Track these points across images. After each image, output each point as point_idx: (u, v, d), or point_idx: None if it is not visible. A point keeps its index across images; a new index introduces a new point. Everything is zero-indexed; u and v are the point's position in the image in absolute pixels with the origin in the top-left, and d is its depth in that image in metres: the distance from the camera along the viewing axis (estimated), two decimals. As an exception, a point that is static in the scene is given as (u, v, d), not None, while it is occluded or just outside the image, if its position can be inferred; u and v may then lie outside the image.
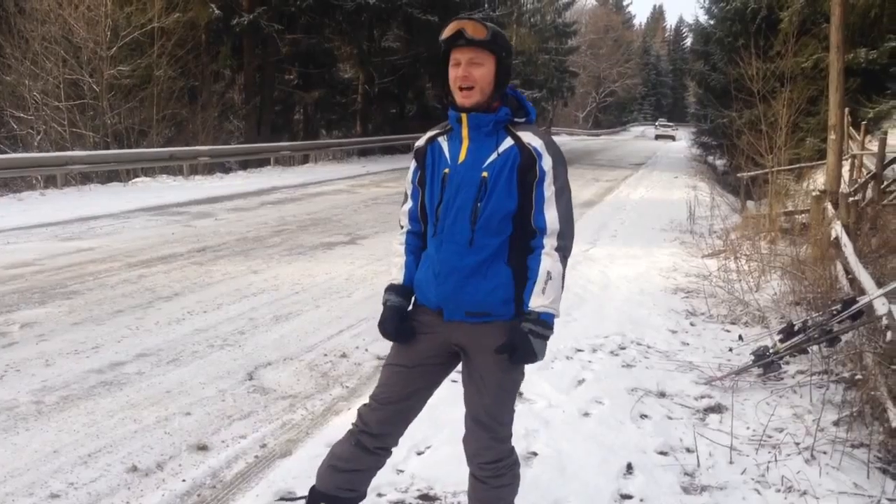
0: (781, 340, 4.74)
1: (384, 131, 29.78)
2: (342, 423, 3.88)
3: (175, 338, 5.34)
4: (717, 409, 4.29)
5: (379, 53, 28.67)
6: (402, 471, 3.32)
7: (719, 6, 25.38)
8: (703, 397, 4.46)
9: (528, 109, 2.40)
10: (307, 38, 24.56)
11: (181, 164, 17.37)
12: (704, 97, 29.23)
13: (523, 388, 3.43)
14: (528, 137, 2.31)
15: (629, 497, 3.22)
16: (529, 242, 2.34)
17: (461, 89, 2.27)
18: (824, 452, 3.61)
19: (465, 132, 2.34)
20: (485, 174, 2.29)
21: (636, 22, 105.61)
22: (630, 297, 7.05)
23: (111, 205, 12.12)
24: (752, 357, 4.76)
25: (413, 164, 2.51)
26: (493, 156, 2.30)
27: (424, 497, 3.16)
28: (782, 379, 4.70)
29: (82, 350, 4.99)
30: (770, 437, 3.83)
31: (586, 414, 4.12)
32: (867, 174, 10.53)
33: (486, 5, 31.84)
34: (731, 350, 5.40)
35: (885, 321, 4.06)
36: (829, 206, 8.03)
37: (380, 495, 3.11)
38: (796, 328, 4.75)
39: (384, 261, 8.30)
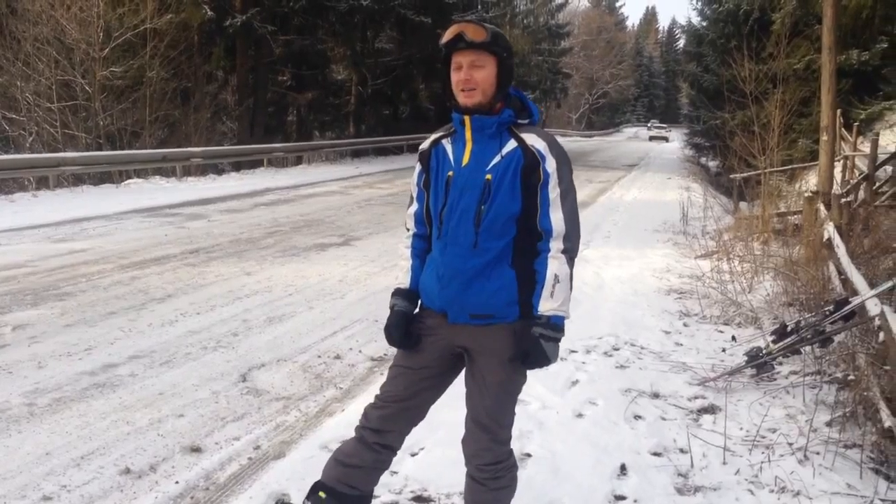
0: (774, 341, 4.76)
1: (377, 132, 29.75)
2: (336, 424, 3.90)
3: (168, 339, 5.33)
4: (710, 409, 4.30)
5: (372, 55, 28.67)
6: (395, 472, 3.31)
7: (712, 8, 25.44)
8: (696, 398, 4.47)
9: (531, 111, 2.40)
10: (300, 40, 24.52)
11: (174, 166, 17.33)
12: (697, 98, 29.24)
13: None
14: (532, 139, 2.31)
15: (623, 498, 3.23)
16: (534, 245, 2.34)
17: (463, 90, 2.27)
18: (817, 453, 3.62)
19: (468, 134, 2.34)
20: (488, 177, 2.29)
21: (629, 23, 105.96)
22: (624, 298, 7.07)
23: (104, 206, 12.08)
24: (746, 358, 4.77)
25: (418, 167, 2.51)
26: (497, 158, 2.30)
27: (418, 499, 3.16)
28: (775, 380, 4.72)
29: (75, 352, 4.97)
30: (763, 437, 3.84)
31: (580, 415, 4.13)
32: (859, 175, 10.57)
33: (479, 7, 31.87)
34: (724, 351, 5.42)
35: (877, 322, 4.08)
36: (822, 207, 8.05)
37: (374, 497, 3.10)
38: (789, 329, 4.76)
39: (377, 262, 8.30)
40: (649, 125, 72.27)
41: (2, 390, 4.26)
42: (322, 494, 2.47)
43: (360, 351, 5.26)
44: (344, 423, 3.81)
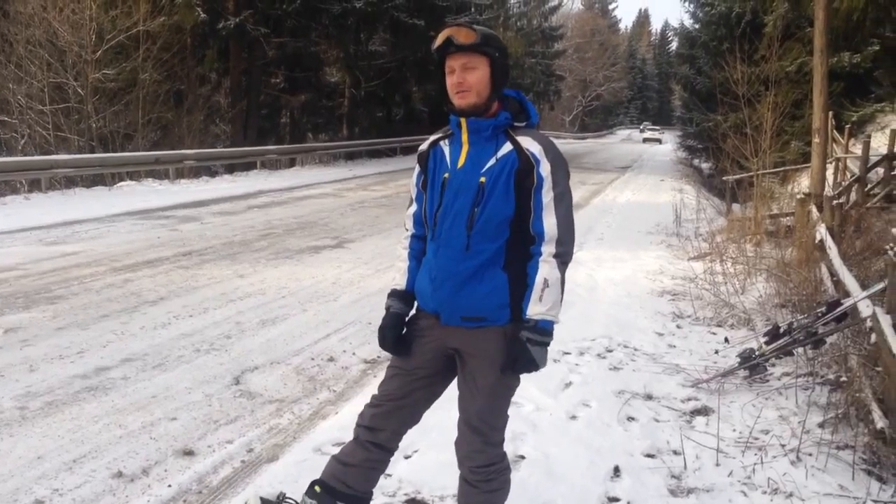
0: (767, 343, 4.77)
1: (371, 135, 29.72)
2: (329, 427, 3.89)
3: (161, 342, 5.31)
4: (703, 411, 4.31)
5: (365, 57, 28.62)
6: (389, 475, 3.30)
7: (704, 10, 25.54)
8: (689, 400, 4.48)
9: (530, 113, 2.40)
10: (293, 42, 24.49)
11: (167, 168, 17.27)
12: (690, 101, 29.35)
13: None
14: (528, 143, 2.31)
15: (617, 500, 3.23)
16: (528, 248, 2.33)
17: (457, 93, 2.28)
18: (810, 454, 3.63)
19: (465, 137, 2.35)
20: (482, 179, 2.29)
21: (622, 26, 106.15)
22: (617, 299, 7.08)
23: (96, 209, 12.04)
24: (738, 359, 4.79)
25: (417, 168, 2.52)
26: (492, 161, 2.30)
27: (412, 501, 3.16)
28: (768, 381, 4.73)
29: (67, 355, 4.95)
30: (756, 439, 3.85)
31: (573, 417, 4.13)
32: (851, 177, 10.63)
33: (472, 9, 31.88)
34: (717, 352, 5.43)
35: (869, 323, 4.09)
36: (814, 209, 8.09)
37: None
38: (782, 330, 4.78)
39: (371, 264, 8.29)
40: (642, 127, 72.51)
41: (-7, 394, 4.24)
42: (317, 488, 2.51)
43: (353, 353, 5.26)
44: (337, 426, 3.81)
